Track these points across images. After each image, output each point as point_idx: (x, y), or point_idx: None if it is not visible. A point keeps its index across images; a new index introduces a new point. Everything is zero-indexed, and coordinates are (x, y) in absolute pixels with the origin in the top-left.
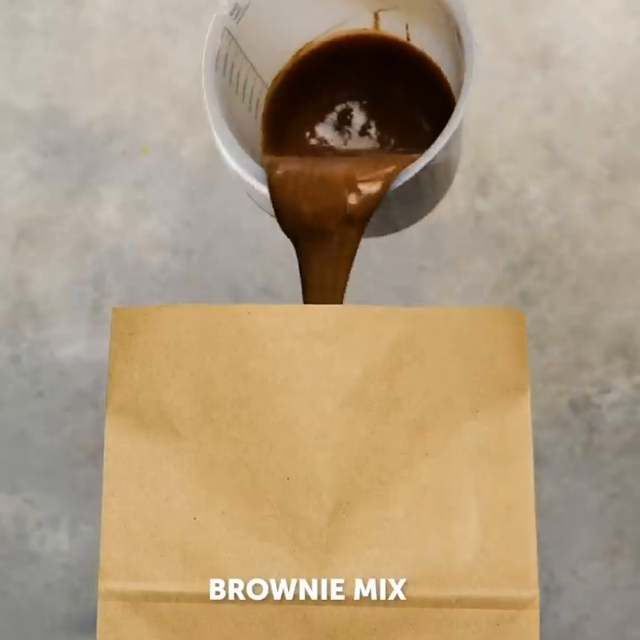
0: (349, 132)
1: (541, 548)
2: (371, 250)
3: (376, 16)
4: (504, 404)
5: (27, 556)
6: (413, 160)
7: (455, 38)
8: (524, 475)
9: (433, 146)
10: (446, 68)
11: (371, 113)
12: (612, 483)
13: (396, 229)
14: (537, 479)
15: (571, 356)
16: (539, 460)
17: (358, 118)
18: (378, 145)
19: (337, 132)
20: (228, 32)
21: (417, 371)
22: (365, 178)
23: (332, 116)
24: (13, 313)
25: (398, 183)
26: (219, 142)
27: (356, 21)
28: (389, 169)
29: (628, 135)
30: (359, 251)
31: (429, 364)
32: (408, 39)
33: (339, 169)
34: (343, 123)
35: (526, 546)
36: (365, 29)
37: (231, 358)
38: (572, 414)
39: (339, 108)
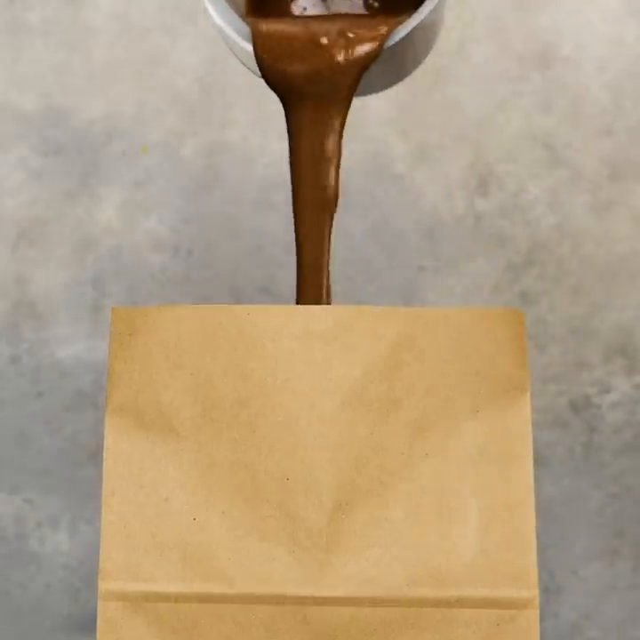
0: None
1: (541, 548)
2: (371, 250)
3: None
4: (504, 404)
5: (27, 556)
6: (402, 22)
7: None
8: (523, 475)
9: (423, 6)
10: None
11: None
12: (612, 483)
13: (377, 91)
14: (537, 479)
15: (571, 355)
16: (539, 460)
17: None
18: (363, 11)
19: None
20: None
21: (417, 371)
22: (359, 37)
23: None
24: (13, 313)
25: (391, 42)
26: None
27: None
28: (382, 28)
29: (627, 135)
30: (358, 250)
31: (429, 365)
32: None
33: (330, 27)
34: None
35: (526, 546)
36: None
37: (231, 359)
38: (571, 414)
39: None
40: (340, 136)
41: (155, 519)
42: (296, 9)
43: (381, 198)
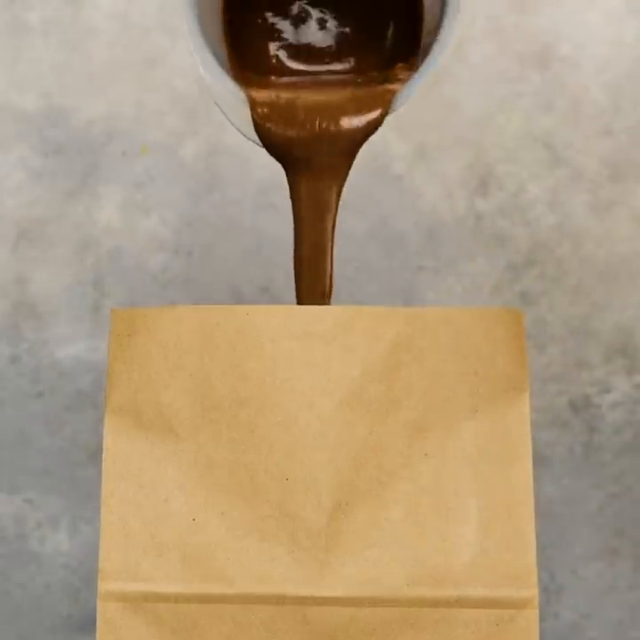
0: (312, 45)
1: (541, 548)
2: (371, 250)
3: None
4: (503, 404)
5: (27, 556)
6: (402, 78)
7: None
8: (523, 475)
9: (424, 68)
10: None
11: (333, 20)
12: (612, 483)
13: None
14: (537, 479)
15: (571, 355)
16: (539, 460)
17: (318, 23)
18: (335, 41)
19: (299, 33)
20: None
21: (416, 371)
22: (364, 105)
23: (291, 18)
24: (13, 313)
25: (395, 105)
26: (199, 62)
27: None
28: (387, 95)
29: (627, 135)
30: (358, 250)
31: (428, 365)
32: None
33: (332, 99)
34: (300, 22)
35: (526, 546)
36: None
37: (230, 359)
38: (571, 414)
39: (296, 8)
40: (340, 193)
41: (154, 519)
42: (272, 48)
43: (381, 198)
